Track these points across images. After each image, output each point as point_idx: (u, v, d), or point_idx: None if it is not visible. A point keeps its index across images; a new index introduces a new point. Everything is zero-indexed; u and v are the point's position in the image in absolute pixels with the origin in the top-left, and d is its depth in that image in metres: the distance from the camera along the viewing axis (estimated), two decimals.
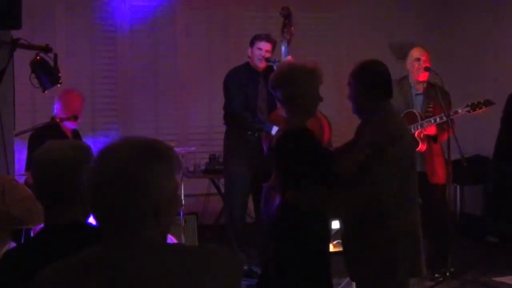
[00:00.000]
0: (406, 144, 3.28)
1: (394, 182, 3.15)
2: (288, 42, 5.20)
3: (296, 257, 3.21)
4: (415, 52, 5.45)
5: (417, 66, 5.37)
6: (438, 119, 5.07)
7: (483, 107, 4.97)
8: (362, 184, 3.14)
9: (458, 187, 7.23)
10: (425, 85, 5.41)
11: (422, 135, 5.11)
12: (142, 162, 1.60)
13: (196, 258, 1.64)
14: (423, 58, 5.37)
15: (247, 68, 5.47)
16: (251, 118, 5.32)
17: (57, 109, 5.27)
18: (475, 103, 4.97)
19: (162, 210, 1.62)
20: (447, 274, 5.20)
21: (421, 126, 5.10)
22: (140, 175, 1.58)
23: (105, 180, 1.59)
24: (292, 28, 5.20)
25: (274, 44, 5.41)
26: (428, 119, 5.12)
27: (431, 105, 5.29)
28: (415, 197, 3.34)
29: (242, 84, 5.40)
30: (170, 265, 1.60)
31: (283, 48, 5.20)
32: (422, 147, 5.10)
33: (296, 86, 3.25)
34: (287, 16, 5.22)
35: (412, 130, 5.05)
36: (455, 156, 5.21)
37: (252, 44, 5.42)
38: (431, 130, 5.13)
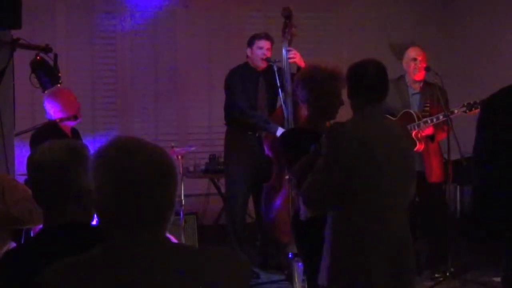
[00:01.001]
0: (381, 152, 2.95)
1: (335, 180, 2.90)
2: (289, 43, 5.19)
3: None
4: (411, 52, 5.45)
5: (413, 66, 5.38)
6: (435, 120, 5.10)
7: (479, 107, 4.98)
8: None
9: (458, 187, 7.22)
10: (421, 84, 5.43)
11: (419, 135, 5.13)
12: (154, 166, 1.61)
13: (197, 259, 1.65)
14: (419, 58, 5.38)
15: (247, 67, 5.48)
16: (258, 116, 5.31)
17: (55, 110, 4.72)
18: (471, 103, 4.99)
19: (163, 210, 1.62)
20: (447, 274, 5.20)
21: (418, 126, 5.11)
22: (149, 179, 1.59)
23: (110, 181, 1.60)
24: (293, 28, 5.18)
25: (272, 42, 5.42)
26: (425, 119, 5.14)
27: (428, 104, 5.31)
28: (386, 209, 2.99)
29: (243, 83, 5.40)
30: (173, 265, 1.60)
31: (284, 49, 5.19)
32: (419, 147, 5.11)
33: (314, 88, 3.38)
34: (288, 16, 5.20)
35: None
36: (455, 156, 5.21)
37: (251, 44, 5.42)
38: (428, 130, 5.16)
